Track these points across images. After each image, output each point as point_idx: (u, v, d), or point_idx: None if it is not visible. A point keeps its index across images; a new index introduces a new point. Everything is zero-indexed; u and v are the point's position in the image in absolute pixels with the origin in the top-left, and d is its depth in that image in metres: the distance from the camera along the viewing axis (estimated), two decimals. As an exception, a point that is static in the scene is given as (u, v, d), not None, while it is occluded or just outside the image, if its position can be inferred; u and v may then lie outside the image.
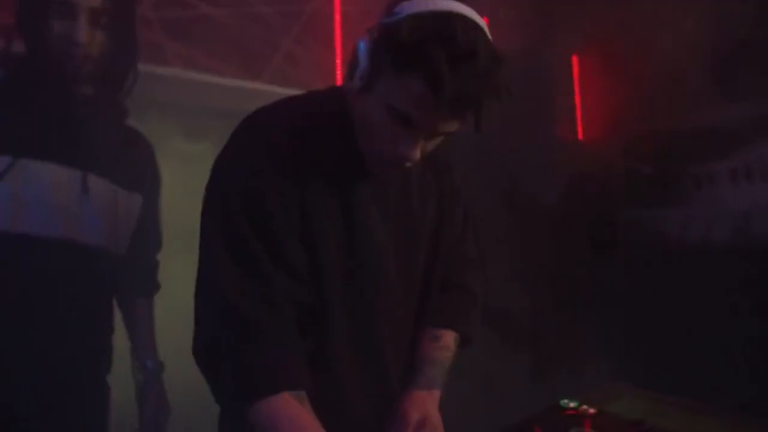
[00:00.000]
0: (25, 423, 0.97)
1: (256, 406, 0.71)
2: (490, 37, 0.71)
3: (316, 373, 0.77)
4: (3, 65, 1.00)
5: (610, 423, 0.94)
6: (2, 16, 1.11)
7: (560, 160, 2.35)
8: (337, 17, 1.91)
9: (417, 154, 0.76)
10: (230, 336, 0.74)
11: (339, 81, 1.76)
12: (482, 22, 0.71)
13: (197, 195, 0.81)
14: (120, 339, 1.20)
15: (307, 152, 0.79)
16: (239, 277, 0.75)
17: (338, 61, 1.89)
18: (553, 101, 2.40)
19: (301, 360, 0.77)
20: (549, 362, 2.07)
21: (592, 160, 2.39)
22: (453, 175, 0.96)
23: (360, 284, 0.83)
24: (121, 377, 1.19)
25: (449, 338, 0.93)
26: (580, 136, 2.52)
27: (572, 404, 1.03)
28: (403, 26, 0.67)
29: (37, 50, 0.98)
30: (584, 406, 1.02)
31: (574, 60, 2.41)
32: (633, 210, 2.32)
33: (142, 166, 1.18)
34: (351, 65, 0.77)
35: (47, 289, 0.99)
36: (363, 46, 0.73)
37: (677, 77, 2.03)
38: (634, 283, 2.14)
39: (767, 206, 1.97)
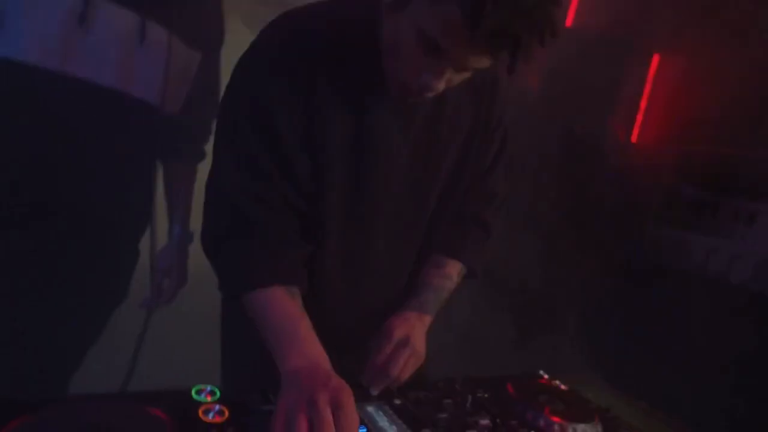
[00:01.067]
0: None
1: (250, 296, 0.77)
2: None
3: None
4: None
5: (578, 402, 0.98)
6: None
7: (604, 154, 2.30)
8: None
9: (440, 86, 0.73)
10: (231, 229, 0.80)
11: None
12: None
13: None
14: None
15: (329, 65, 0.77)
16: (244, 180, 0.79)
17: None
18: (619, 94, 2.32)
19: (297, 258, 0.82)
20: (534, 336, 2.12)
21: (636, 165, 2.33)
22: (496, 103, 0.92)
23: (362, 205, 0.86)
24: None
25: (453, 268, 0.95)
26: (633, 138, 2.45)
27: (546, 376, 1.07)
28: None
29: None
30: (557, 381, 1.06)
31: (655, 58, 2.30)
32: (660, 225, 2.28)
33: (206, 21, 1.11)
34: None
35: (91, 137, 0.98)
36: None
37: (754, 104, 1.93)
38: (636, 291, 2.14)
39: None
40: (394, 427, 0.75)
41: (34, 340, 0.99)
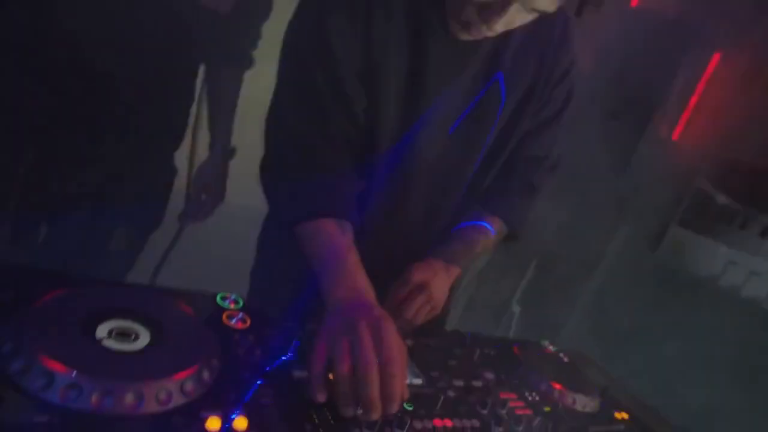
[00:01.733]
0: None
1: (303, 226, 0.79)
2: None
3: None
4: None
5: (578, 375, 0.99)
6: None
7: (642, 147, 2.25)
8: None
9: (499, 26, 0.72)
10: (290, 160, 0.83)
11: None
12: None
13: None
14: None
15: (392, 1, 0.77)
16: (304, 111, 0.80)
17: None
18: (670, 86, 2.25)
19: (352, 194, 0.83)
20: (541, 306, 2.12)
21: (672, 163, 2.28)
22: (564, 57, 0.89)
23: (409, 147, 0.86)
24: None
25: (493, 224, 0.95)
26: (675, 135, 2.38)
27: (551, 346, 1.09)
28: None
29: None
30: (561, 354, 1.07)
31: (715, 56, 2.21)
32: (685, 227, 2.25)
33: None
34: None
35: (132, 40, 0.95)
36: None
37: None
38: (647, 286, 2.13)
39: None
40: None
41: (63, 247, 1.04)
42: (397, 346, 0.62)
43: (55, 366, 0.46)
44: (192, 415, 0.50)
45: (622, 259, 2.20)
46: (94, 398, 0.46)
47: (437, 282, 0.86)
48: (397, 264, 0.89)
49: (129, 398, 0.47)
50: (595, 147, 2.15)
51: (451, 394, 0.73)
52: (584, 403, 0.89)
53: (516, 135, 0.91)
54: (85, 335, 0.53)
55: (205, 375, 0.55)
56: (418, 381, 0.75)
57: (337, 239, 0.77)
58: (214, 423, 0.50)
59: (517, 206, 0.97)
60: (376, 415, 0.59)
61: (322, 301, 0.72)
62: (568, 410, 0.86)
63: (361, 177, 0.86)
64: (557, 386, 0.89)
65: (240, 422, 0.51)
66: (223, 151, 1.24)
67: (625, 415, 0.94)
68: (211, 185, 1.24)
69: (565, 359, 1.05)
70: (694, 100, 2.33)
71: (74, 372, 0.46)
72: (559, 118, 0.95)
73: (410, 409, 0.66)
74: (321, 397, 0.59)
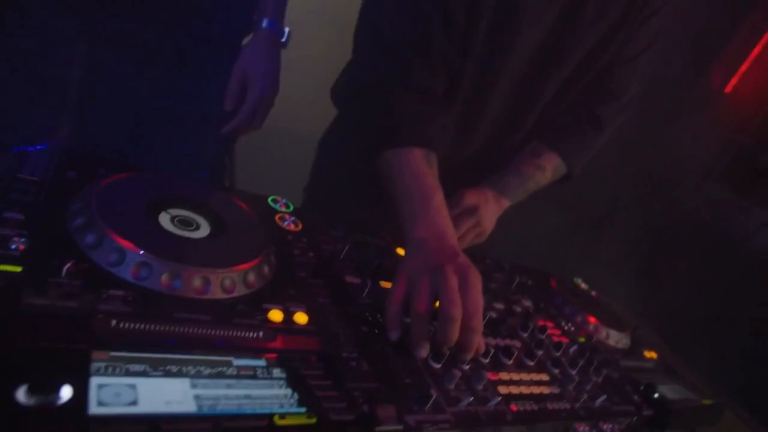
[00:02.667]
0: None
1: (388, 153, 0.73)
2: None
3: None
4: None
5: (611, 312, 0.99)
6: None
7: (691, 96, 2.14)
8: None
9: None
10: (383, 74, 0.76)
11: None
12: None
13: None
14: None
15: None
16: (404, 21, 0.74)
17: None
18: (732, 36, 2.10)
19: (442, 122, 0.78)
20: (576, 246, 2.08)
21: (718, 116, 2.17)
22: (656, 1, 0.83)
23: (490, 74, 0.81)
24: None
25: (549, 161, 0.91)
26: (728, 87, 2.26)
27: (584, 285, 1.08)
28: None
29: None
30: (594, 293, 1.07)
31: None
32: (721, 183, 2.18)
33: None
34: None
35: None
36: None
37: None
38: (676, 241, 2.10)
39: None
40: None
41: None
42: (481, 300, 0.58)
43: (127, 244, 0.45)
44: (255, 306, 0.50)
45: (650, 212, 2.15)
46: (163, 279, 0.46)
47: (487, 209, 0.85)
48: (451, 189, 0.87)
49: (196, 282, 0.47)
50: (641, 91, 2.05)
51: (492, 314, 0.73)
52: (617, 339, 0.90)
53: (598, 64, 0.86)
54: (150, 218, 0.52)
55: (265, 269, 0.54)
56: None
57: (424, 174, 0.71)
58: (276, 315, 0.50)
59: (578, 144, 0.92)
60: (441, 349, 0.56)
61: (396, 227, 0.69)
62: (601, 343, 0.87)
63: (450, 104, 0.82)
64: (592, 320, 0.89)
65: (300, 317, 0.52)
66: (272, 31, 0.98)
67: (654, 354, 0.95)
68: (258, 76, 0.95)
69: (598, 298, 1.05)
70: (755, 52, 2.19)
71: (142, 251, 0.45)
72: (640, 57, 0.89)
73: (456, 324, 0.67)
74: (394, 335, 0.56)
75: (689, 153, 2.11)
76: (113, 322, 0.40)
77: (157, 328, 0.41)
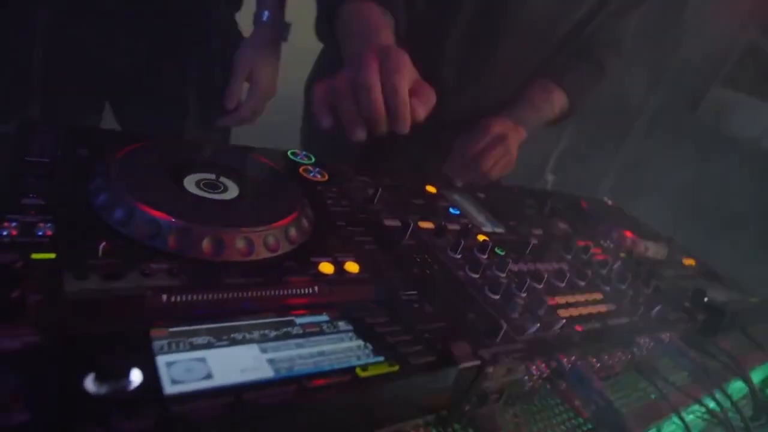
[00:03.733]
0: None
1: (345, 11, 0.70)
2: None
3: None
4: None
5: (644, 226, 0.96)
6: None
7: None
8: None
9: None
10: None
11: None
12: None
13: None
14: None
15: None
16: None
17: None
18: None
19: None
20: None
21: (726, 11, 2.05)
22: None
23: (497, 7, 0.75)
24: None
25: (558, 96, 0.91)
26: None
27: (610, 202, 1.05)
28: None
29: None
30: (622, 207, 1.04)
31: None
32: (730, 83, 2.10)
33: None
34: None
35: None
36: None
37: None
38: (687, 150, 2.05)
39: None
40: (482, 216, 0.74)
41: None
42: (403, 62, 0.55)
43: (159, 214, 0.41)
44: (303, 261, 0.46)
45: (660, 118, 2.09)
46: (205, 245, 0.42)
47: (513, 138, 0.81)
48: (456, 120, 0.83)
49: (240, 244, 0.43)
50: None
51: (534, 241, 0.70)
52: (655, 250, 0.87)
53: (599, 15, 0.85)
54: (175, 185, 0.48)
55: (305, 223, 0.51)
56: (500, 229, 0.72)
57: (374, 17, 0.68)
58: (327, 267, 0.47)
59: (581, 82, 0.92)
60: (380, 130, 0.55)
61: None
62: (641, 257, 0.85)
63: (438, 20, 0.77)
64: (628, 234, 0.86)
65: (351, 266, 0.48)
66: (271, 25, 0.92)
67: (692, 261, 0.93)
68: (256, 71, 0.91)
69: (628, 213, 1.02)
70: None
71: (176, 219, 0.42)
72: (640, 5, 0.90)
73: (502, 253, 0.64)
74: (326, 122, 0.56)
75: (691, 54, 2.02)
76: (164, 297, 0.36)
77: (211, 296, 0.38)
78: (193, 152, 0.54)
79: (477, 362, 0.42)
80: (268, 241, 0.45)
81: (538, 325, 0.51)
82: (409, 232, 0.58)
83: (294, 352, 0.35)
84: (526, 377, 0.48)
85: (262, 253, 0.45)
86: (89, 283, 0.35)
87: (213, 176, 0.52)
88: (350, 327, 0.40)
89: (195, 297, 0.37)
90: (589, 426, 0.54)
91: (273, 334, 0.37)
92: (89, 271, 0.35)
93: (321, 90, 0.56)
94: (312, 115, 0.57)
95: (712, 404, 0.64)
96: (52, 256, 0.35)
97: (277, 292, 0.41)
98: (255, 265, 0.44)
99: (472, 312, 0.49)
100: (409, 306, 0.46)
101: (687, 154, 1.93)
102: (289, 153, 0.68)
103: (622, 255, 0.81)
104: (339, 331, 0.39)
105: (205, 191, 0.49)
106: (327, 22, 0.74)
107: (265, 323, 0.37)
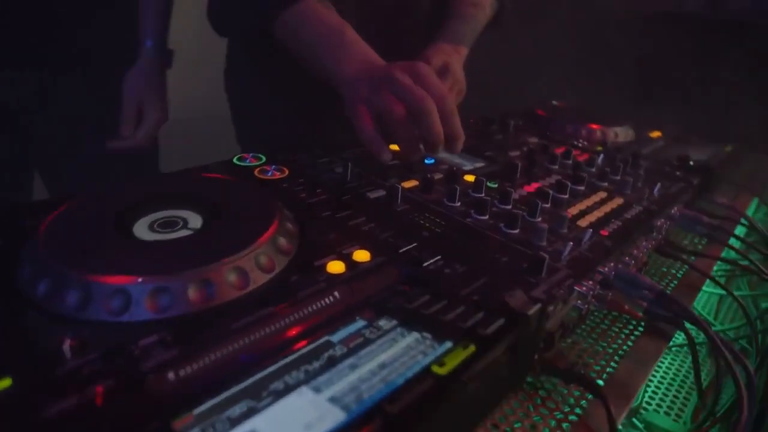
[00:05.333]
0: None
1: (284, 15, 0.64)
2: None
3: None
4: None
5: (603, 115, 0.94)
6: None
7: None
8: None
9: None
10: None
11: None
12: None
13: None
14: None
15: None
16: None
17: None
18: None
19: None
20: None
21: None
22: None
23: None
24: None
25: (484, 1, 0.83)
26: None
27: (559, 103, 1.02)
28: None
29: None
30: (566, 102, 1.01)
31: None
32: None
33: None
34: None
35: None
36: None
37: None
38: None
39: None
40: (457, 156, 0.68)
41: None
42: (440, 83, 0.55)
43: (121, 280, 0.33)
44: (308, 269, 0.39)
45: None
46: (191, 295, 0.33)
47: (456, 62, 0.74)
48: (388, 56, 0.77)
49: (231, 278, 0.35)
50: None
51: (518, 162, 0.65)
52: (624, 133, 0.85)
53: None
54: (124, 238, 0.39)
55: (290, 226, 0.43)
56: (480, 164, 0.66)
57: (327, 15, 0.64)
58: (336, 266, 0.39)
59: None
60: (439, 149, 0.55)
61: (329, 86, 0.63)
62: (615, 144, 0.82)
63: None
64: (595, 126, 0.83)
65: (361, 254, 0.41)
66: (155, 54, 0.91)
67: (658, 133, 0.92)
68: (144, 101, 0.90)
69: (582, 104, 1.00)
70: None
71: (142, 278, 0.33)
72: None
73: (495, 186, 0.58)
74: (387, 156, 0.56)
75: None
76: (170, 375, 0.28)
77: (223, 352, 0.30)
78: (131, 195, 0.45)
79: (539, 305, 0.37)
80: (260, 262, 0.37)
81: (571, 243, 0.46)
82: (399, 197, 0.51)
83: (353, 378, 0.28)
84: (579, 301, 0.44)
85: (260, 278, 0.37)
86: (72, 398, 0.26)
87: (166, 213, 0.43)
88: (394, 322, 0.33)
89: (205, 360, 0.29)
90: (642, 325, 0.51)
91: (317, 365, 0.29)
92: (65, 382, 0.27)
93: (368, 121, 0.55)
94: (369, 148, 0.56)
95: (732, 254, 0.63)
96: (8, 383, 0.26)
97: (296, 316, 0.34)
98: (257, 295, 0.36)
99: (503, 255, 0.44)
100: (440, 274, 0.40)
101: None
102: (234, 160, 0.58)
103: (599, 148, 0.78)
104: (385, 332, 0.33)
105: (164, 232, 0.40)
106: (265, 27, 0.66)
107: (302, 356, 0.30)
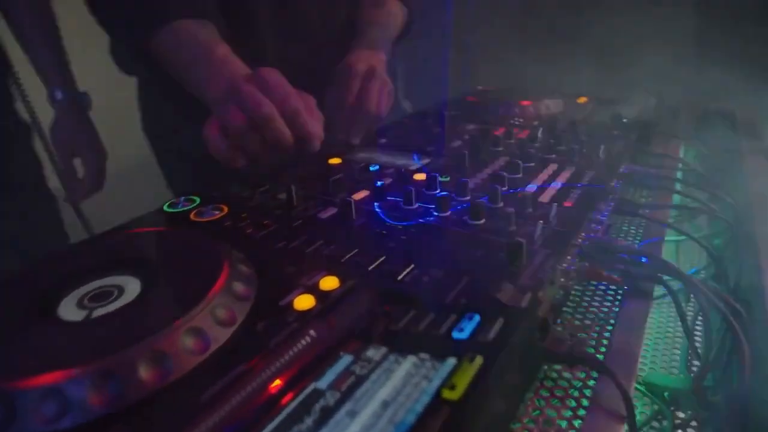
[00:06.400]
0: None
1: (160, 35, 0.60)
2: None
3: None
4: None
5: (527, 88, 0.95)
6: None
7: None
8: None
9: None
10: None
11: None
12: None
13: None
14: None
15: None
16: None
17: None
18: None
19: None
20: None
21: None
22: None
23: None
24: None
25: (394, 5, 0.82)
26: None
27: (482, 87, 1.03)
28: None
29: None
30: (492, 88, 1.02)
31: None
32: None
33: None
34: None
35: None
36: None
37: None
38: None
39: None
40: (400, 157, 0.65)
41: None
42: (288, 86, 0.54)
43: (51, 378, 0.27)
44: (273, 311, 0.34)
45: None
46: (144, 375, 0.28)
47: (379, 65, 0.72)
48: (301, 70, 0.73)
49: (188, 342, 0.30)
50: None
51: (464, 151, 0.63)
52: (554, 105, 0.86)
53: None
54: (47, 325, 0.33)
55: (244, 269, 0.38)
56: (426, 160, 0.64)
57: (198, 34, 0.60)
58: (304, 301, 0.35)
59: None
60: (290, 152, 0.54)
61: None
62: (547, 116, 0.83)
63: None
64: (527, 103, 0.84)
65: (328, 282, 0.37)
66: (68, 101, 0.88)
67: (584, 99, 0.94)
68: (77, 146, 0.89)
69: (509, 87, 1.00)
70: None
71: (85, 365, 0.27)
72: None
73: (448, 180, 0.56)
74: (242, 162, 0.54)
75: None
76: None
77: (201, 429, 0.25)
78: (50, 270, 0.38)
79: (529, 293, 0.34)
80: (218, 316, 0.32)
81: (541, 222, 0.44)
82: (354, 211, 0.48)
83: (356, 428, 0.24)
84: (563, 279, 0.42)
85: (221, 335, 0.32)
86: None
87: (95, 284, 0.37)
88: (384, 349, 0.30)
89: (178, 447, 0.24)
90: (623, 288, 0.50)
91: (310, 422, 0.25)
92: None
93: (215, 134, 0.53)
94: (221, 160, 0.54)
95: (687, 200, 0.64)
96: None
97: (273, 368, 0.29)
98: (222, 355, 0.31)
99: (477, 249, 0.41)
100: (418, 284, 0.36)
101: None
102: (165, 207, 0.52)
103: (536, 123, 0.78)
104: (377, 363, 0.29)
105: (97, 307, 0.35)
106: (140, 55, 0.63)
107: (290, 415, 0.26)
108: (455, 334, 0.29)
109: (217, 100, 0.56)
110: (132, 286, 0.37)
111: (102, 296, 0.36)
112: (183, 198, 0.54)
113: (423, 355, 0.28)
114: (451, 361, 0.27)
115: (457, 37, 1.53)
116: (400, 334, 0.31)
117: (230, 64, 0.58)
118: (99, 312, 0.34)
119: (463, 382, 0.25)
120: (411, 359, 0.28)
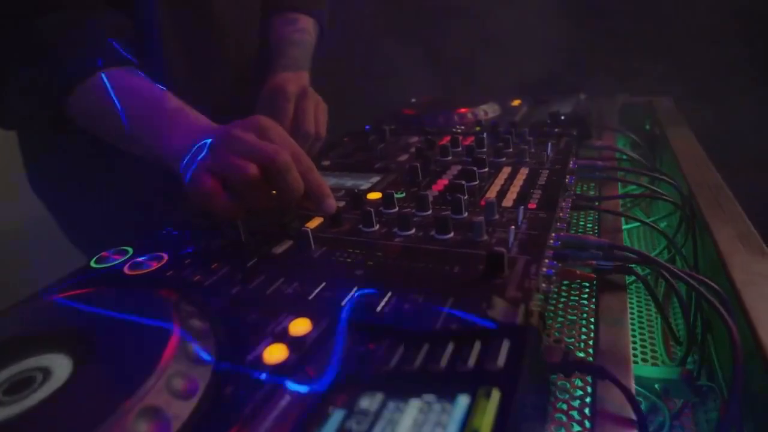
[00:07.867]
0: None
1: (80, 91, 0.51)
2: None
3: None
4: None
5: (466, 97, 0.95)
6: None
7: None
8: None
9: None
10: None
11: None
12: None
13: None
14: None
15: None
16: None
17: None
18: None
19: (118, 31, 0.56)
20: None
21: None
22: None
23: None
24: None
25: (305, 21, 0.79)
26: None
27: (415, 99, 1.02)
28: None
29: None
30: (423, 98, 1.01)
31: None
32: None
33: None
34: None
35: None
36: None
37: None
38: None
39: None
40: (349, 179, 0.62)
41: None
42: (290, 138, 0.47)
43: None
44: (241, 365, 0.29)
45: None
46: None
47: (307, 83, 0.69)
48: (220, 92, 0.68)
49: (143, 428, 0.25)
50: None
51: (416, 164, 0.61)
52: (491, 109, 0.87)
53: None
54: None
55: (198, 324, 0.33)
56: (375, 178, 0.61)
57: (139, 83, 0.53)
58: (274, 352, 0.30)
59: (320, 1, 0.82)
60: (294, 201, 0.46)
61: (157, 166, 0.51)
62: (488, 120, 0.83)
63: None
64: (464, 110, 0.84)
65: (298, 325, 0.33)
66: None
67: (518, 101, 0.95)
68: None
69: (438, 96, 1.01)
70: None
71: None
72: None
73: (403, 195, 0.53)
74: (236, 215, 0.46)
75: None
76: None
77: None
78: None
79: (522, 306, 0.32)
80: (174, 388, 0.27)
81: (512, 227, 0.42)
82: (311, 241, 0.44)
83: (370, 504, 0.20)
84: (544, 284, 0.40)
85: (183, 410, 0.27)
86: None
87: (13, 369, 0.30)
88: (380, 395, 0.26)
89: None
90: (594, 284, 0.50)
91: (311, 505, 0.21)
92: None
93: (215, 187, 0.44)
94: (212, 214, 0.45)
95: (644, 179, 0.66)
96: None
97: (252, 441, 0.24)
98: (193, 426, 0.26)
99: (453, 265, 0.38)
100: (400, 312, 0.33)
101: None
102: (92, 263, 0.46)
103: (478, 128, 0.77)
104: (376, 414, 0.25)
105: (18, 399, 0.28)
106: (55, 123, 0.54)
107: (284, 500, 0.21)
108: (459, 366, 0.26)
109: (181, 155, 0.48)
110: (61, 367, 0.30)
111: (22, 384, 0.29)
112: (112, 250, 0.47)
113: (427, 397, 0.25)
114: (464, 399, 0.24)
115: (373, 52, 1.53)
116: (394, 375, 0.27)
117: (189, 114, 0.52)
118: (19, 406, 0.27)
119: (486, 423, 0.21)
120: (415, 404, 0.24)
